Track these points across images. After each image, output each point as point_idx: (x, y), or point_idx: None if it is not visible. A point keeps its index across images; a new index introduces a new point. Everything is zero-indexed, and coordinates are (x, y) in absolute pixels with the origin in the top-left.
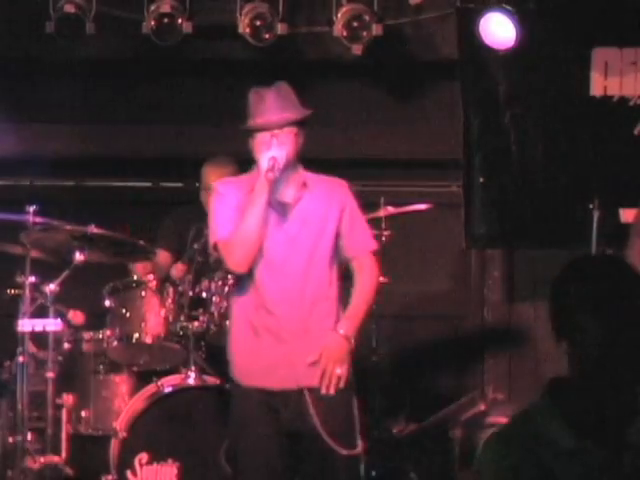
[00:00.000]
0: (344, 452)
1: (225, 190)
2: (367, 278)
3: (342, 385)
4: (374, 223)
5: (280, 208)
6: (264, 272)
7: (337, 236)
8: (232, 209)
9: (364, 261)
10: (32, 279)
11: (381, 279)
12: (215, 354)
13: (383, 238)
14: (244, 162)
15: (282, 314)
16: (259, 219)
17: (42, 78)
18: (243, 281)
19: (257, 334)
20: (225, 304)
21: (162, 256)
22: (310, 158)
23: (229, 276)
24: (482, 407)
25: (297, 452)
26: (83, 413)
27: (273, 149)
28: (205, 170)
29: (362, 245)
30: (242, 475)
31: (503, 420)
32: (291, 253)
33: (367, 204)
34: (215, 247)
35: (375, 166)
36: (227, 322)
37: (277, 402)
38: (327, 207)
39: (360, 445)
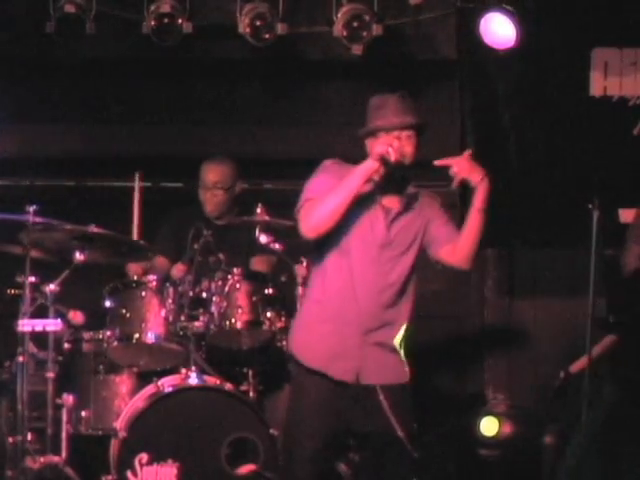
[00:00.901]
0: (416, 454)
1: (329, 166)
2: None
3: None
4: None
5: (384, 212)
6: (359, 265)
7: (422, 248)
8: (328, 183)
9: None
10: (32, 279)
11: None
12: (215, 354)
13: None
14: (242, 161)
15: (369, 308)
16: (344, 198)
17: (42, 78)
18: (339, 269)
19: (338, 323)
20: (225, 304)
21: (159, 261)
22: (309, 159)
23: (229, 276)
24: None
25: (366, 450)
26: (83, 413)
27: (390, 146)
28: (203, 168)
29: (455, 233)
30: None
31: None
32: (382, 256)
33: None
34: (298, 212)
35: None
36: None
37: (346, 396)
38: (420, 223)
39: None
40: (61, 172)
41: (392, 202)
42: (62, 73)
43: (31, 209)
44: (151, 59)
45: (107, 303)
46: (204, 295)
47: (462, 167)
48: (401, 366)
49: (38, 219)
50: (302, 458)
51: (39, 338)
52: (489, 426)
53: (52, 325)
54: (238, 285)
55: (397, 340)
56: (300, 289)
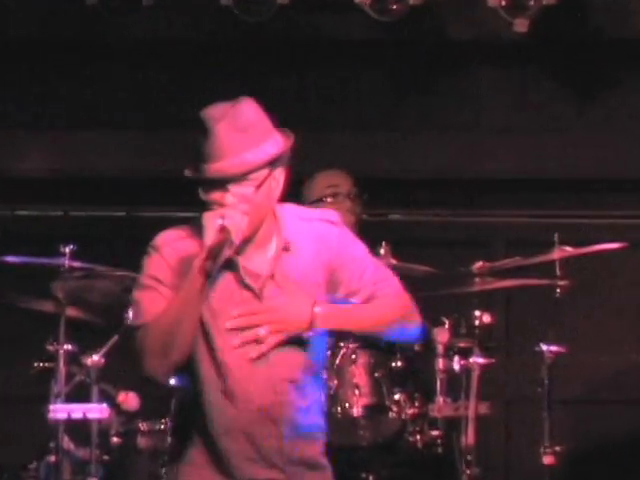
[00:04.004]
0: None
1: (166, 250)
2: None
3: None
4: (545, 268)
5: (251, 282)
6: (235, 365)
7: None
8: (168, 283)
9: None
10: (68, 347)
11: (556, 348)
12: None
13: (558, 290)
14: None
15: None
16: (187, 321)
17: (78, 66)
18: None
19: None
20: (335, 383)
21: None
22: (450, 179)
23: (341, 343)
24: None
25: None
26: None
27: (227, 212)
28: (314, 182)
29: (391, 287)
30: None
31: None
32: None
33: (535, 242)
34: (130, 331)
35: (547, 188)
36: None
37: None
38: (316, 268)
39: None
40: (107, 197)
41: (257, 263)
42: (105, 61)
43: (67, 249)
44: (232, 40)
45: (172, 381)
46: None
47: None
48: None
49: (76, 263)
50: None
51: (78, 429)
52: None
53: (95, 411)
54: (354, 356)
55: (320, 449)
56: (441, 361)
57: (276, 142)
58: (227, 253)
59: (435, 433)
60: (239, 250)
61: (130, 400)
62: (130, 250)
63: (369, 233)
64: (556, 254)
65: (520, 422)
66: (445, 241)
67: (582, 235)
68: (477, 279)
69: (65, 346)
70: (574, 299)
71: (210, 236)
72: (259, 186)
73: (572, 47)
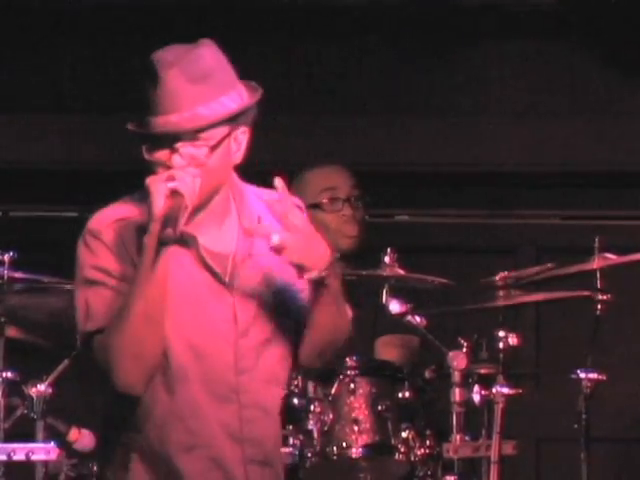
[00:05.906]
0: None
1: (105, 235)
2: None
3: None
4: (583, 280)
5: (213, 264)
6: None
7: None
8: (116, 274)
9: None
10: (8, 375)
11: (596, 376)
12: None
13: (598, 306)
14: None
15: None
16: (153, 307)
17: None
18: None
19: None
20: (331, 416)
21: None
22: (466, 172)
23: (338, 369)
24: None
25: None
26: None
27: (176, 174)
28: (305, 183)
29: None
30: None
31: None
32: (226, 344)
33: (571, 248)
34: (87, 343)
35: (585, 184)
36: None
37: None
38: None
39: None
40: (55, 195)
41: (219, 240)
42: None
43: (6, 257)
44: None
45: None
46: (296, 402)
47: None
48: None
49: (18, 274)
50: None
51: (20, 473)
52: None
53: (41, 452)
54: (352, 385)
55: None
56: (457, 392)
57: (239, 96)
58: (184, 222)
59: (450, 478)
60: (189, 222)
61: (83, 438)
62: None
63: (371, 237)
64: (596, 263)
65: (553, 464)
66: (462, 247)
67: (628, 240)
68: (501, 293)
69: (4, 373)
70: (617, 317)
71: (159, 202)
72: (214, 147)
73: (613, 14)
